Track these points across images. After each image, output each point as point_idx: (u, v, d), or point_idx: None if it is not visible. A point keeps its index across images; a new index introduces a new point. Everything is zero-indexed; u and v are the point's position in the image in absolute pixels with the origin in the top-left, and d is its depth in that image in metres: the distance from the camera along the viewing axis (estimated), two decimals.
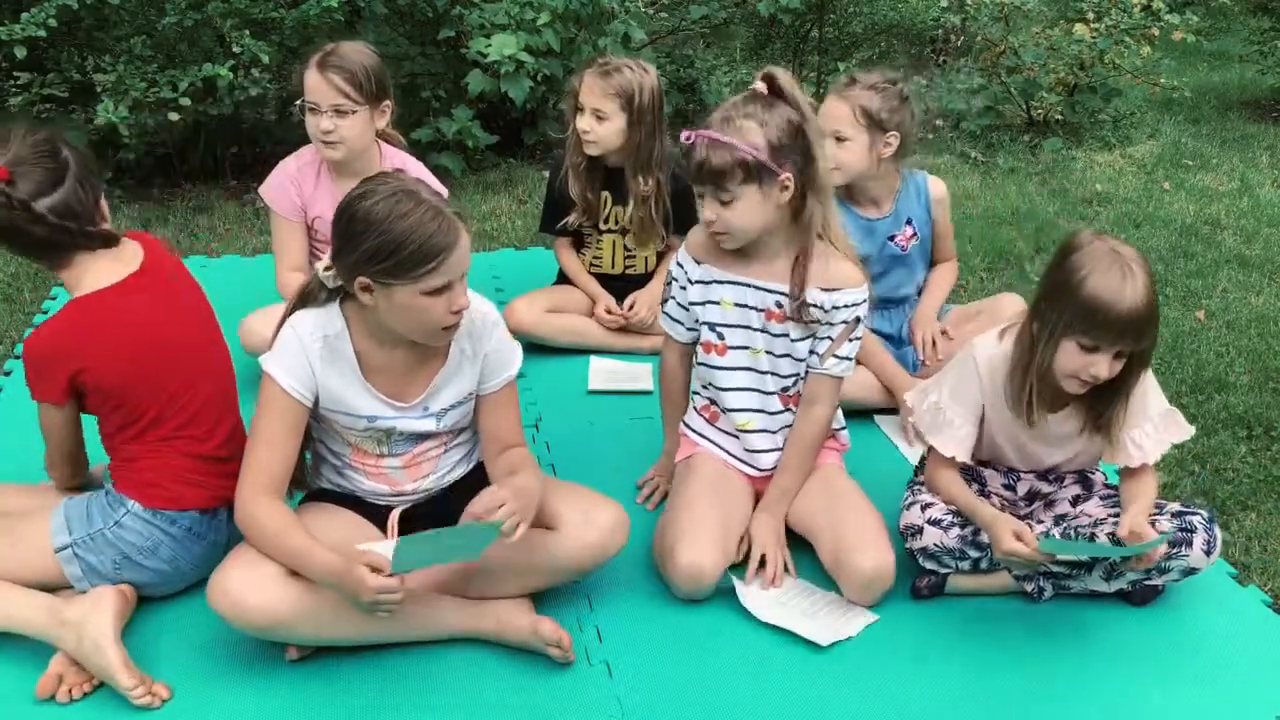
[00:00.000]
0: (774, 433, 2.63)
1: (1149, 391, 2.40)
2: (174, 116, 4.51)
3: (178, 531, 2.34)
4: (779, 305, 2.49)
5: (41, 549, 2.29)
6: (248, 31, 4.59)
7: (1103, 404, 2.34)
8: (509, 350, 2.37)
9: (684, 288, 2.58)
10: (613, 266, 3.68)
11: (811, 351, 2.53)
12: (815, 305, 2.47)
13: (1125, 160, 5.83)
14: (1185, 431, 2.42)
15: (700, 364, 2.64)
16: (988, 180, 5.47)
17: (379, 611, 2.11)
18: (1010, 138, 6.06)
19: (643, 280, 3.69)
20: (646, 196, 3.49)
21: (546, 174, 3.70)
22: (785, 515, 2.59)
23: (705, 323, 2.57)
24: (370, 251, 2.07)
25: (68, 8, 4.30)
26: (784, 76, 2.38)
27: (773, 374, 2.57)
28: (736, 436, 2.65)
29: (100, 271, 2.25)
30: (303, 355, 2.21)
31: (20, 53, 4.30)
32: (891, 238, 3.24)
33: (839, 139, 3.07)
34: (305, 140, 3.27)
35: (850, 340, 2.52)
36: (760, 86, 2.39)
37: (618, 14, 5.30)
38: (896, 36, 8.26)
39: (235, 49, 4.57)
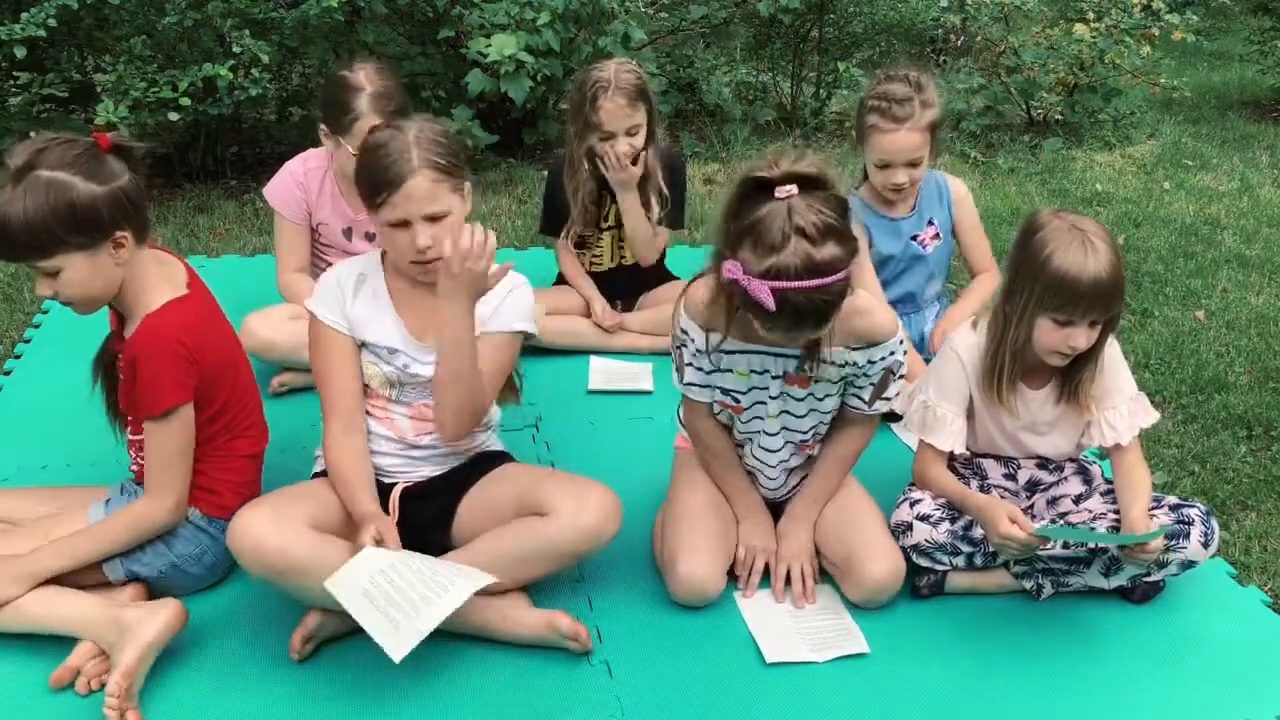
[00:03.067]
0: (776, 477, 2.56)
1: (1121, 373, 2.47)
2: (174, 116, 4.51)
3: (224, 539, 2.37)
4: (801, 370, 2.35)
5: None
6: (248, 31, 4.59)
7: (1074, 371, 2.42)
8: (520, 308, 2.44)
9: (695, 357, 2.42)
10: (610, 260, 3.69)
11: (855, 395, 2.44)
12: (849, 364, 2.35)
13: (1125, 160, 5.83)
14: (1153, 416, 2.49)
15: (716, 413, 2.53)
16: (988, 180, 5.47)
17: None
18: (1010, 138, 6.06)
19: (637, 269, 3.68)
20: (655, 164, 3.48)
21: (546, 174, 3.70)
22: (815, 524, 2.54)
23: (719, 387, 2.46)
24: (357, 177, 2.36)
25: (68, 8, 4.30)
26: (816, 170, 2.09)
27: (786, 430, 2.48)
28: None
29: (161, 287, 2.29)
30: (338, 289, 2.40)
31: (20, 53, 4.31)
32: (914, 237, 3.24)
33: (913, 164, 3.07)
34: (306, 142, 3.27)
35: (894, 381, 2.42)
36: (789, 191, 2.05)
37: (618, 14, 5.30)
38: (896, 36, 8.27)
39: (235, 49, 4.57)
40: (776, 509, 2.60)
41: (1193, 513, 2.39)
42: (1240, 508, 2.89)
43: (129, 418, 2.40)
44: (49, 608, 2.21)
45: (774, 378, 2.40)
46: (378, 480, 2.42)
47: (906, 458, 2.75)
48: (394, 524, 2.30)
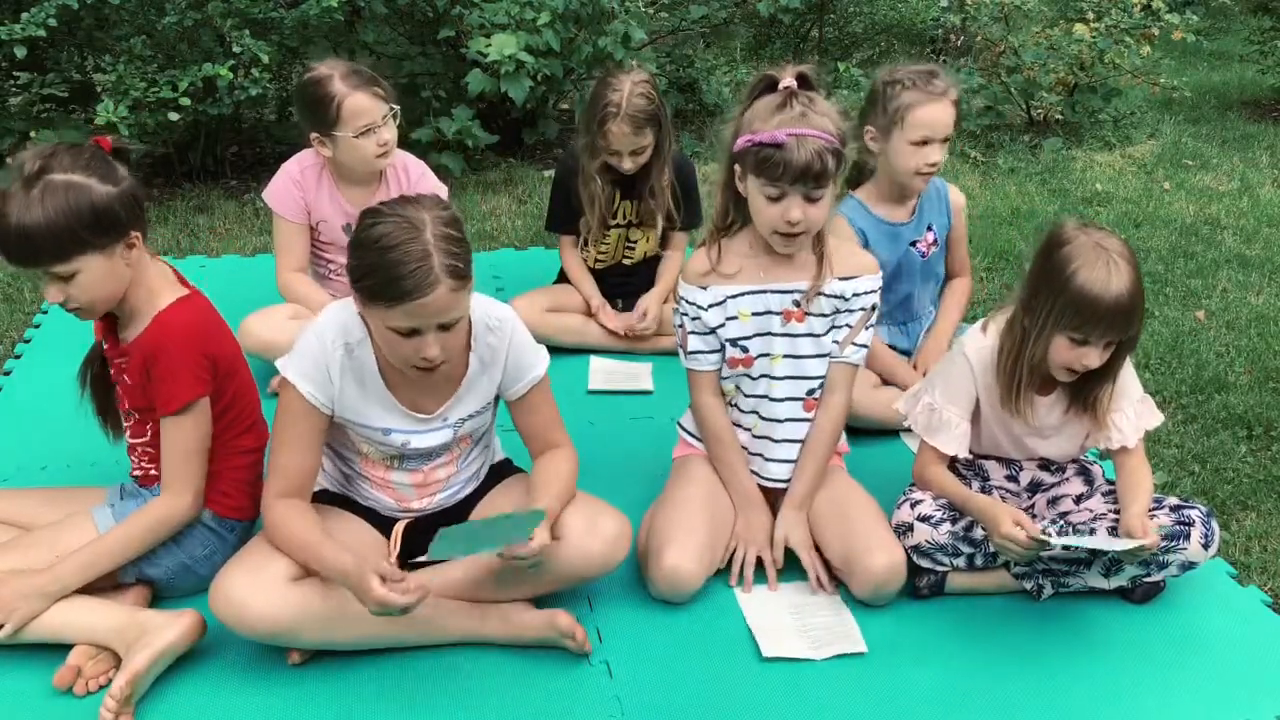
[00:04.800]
0: (782, 452, 2.58)
1: (1128, 376, 2.47)
2: (174, 116, 4.51)
3: (232, 539, 2.39)
4: (797, 304, 2.49)
5: None
6: (248, 31, 4.60)
7: (1090, 387, 2.41)
8: (531, 351, 2.34)
9: (698, 318, 2.51)
10: (613, 257, 3.70)
11: (835, 342, 2.54)
12: (836, 295, 2.49)
13: (1125, 160, 5.83)
14: (1157, 418, 2.50)
15: (724, 379, 2.59)
16: (988, 180, 5.47)
17: (383, 615, 2.08)
18: (1010, 138, 6.06)
19: (638, 268, 3.70)
20: (667, 185, 3.52)
21: (547, 174, 3.70)
22: (810, 508, 2.56)
23: (727, 340, 2.52)
24: (353, 267, 2.07)
25: (68, 8, 4.30)
26: (810, 70, 2.42)
27: (791, 378, 2.54)
28: (747, 447, 2.61)
29: (164, 286, 2.30)
30: (323, 363, 2.19)
31: (20, 52, 4.31)
32: (913, 243, 3.17)
33: (944, 140, 3.02)
34: (305, 141, 3.28)
35: (866, 328, 2.54)
36: (791, 83, 2.38)
37: (618, 14, 5.30)
38: (896, 36, 8.27)
39: (235, 49, 4.57)
40: (773, 501, 2.60)
41: (1193, 514, 2.39)
42: (1240, 508, 2.89)
43: (126, 421, 2.40)
44: (67, 618, 2.20)
45: (775, 314, 2.50)
46: (376, 514, 2.38)
47: (907, 458, 2.75)
48: (395, 552, 2.27)
